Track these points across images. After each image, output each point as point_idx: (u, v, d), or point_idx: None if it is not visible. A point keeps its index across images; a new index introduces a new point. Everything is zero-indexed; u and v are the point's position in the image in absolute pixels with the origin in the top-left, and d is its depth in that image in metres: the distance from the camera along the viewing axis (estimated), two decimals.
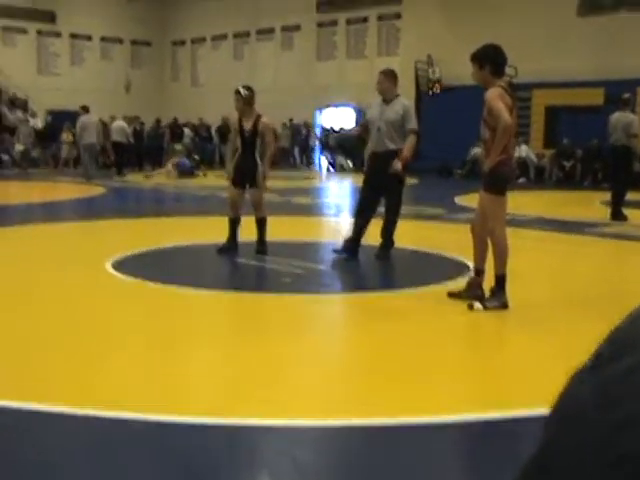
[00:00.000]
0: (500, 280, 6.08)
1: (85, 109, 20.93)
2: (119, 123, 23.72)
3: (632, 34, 22.07)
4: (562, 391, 0.37)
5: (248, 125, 8.58)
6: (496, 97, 5.91)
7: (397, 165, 8.19)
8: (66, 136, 26.66)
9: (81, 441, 3.53)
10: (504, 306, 6.02)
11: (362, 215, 8.46)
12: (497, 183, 6.04)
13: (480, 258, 6.31)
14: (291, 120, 29.83)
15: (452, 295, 6.39)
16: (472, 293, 6.24)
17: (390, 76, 8.47)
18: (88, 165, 21.00)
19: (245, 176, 8.60)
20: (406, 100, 8.69)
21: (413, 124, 8.39)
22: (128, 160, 24.41)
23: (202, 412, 3.75)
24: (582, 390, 0.36)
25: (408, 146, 8.24)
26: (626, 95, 12.92)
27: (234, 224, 8.66)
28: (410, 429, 3.65)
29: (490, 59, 6.07)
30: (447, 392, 4.17)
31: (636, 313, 0.38)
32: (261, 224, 8.66)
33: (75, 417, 3.67)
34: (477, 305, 6.02)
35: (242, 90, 8.58)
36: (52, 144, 27.11)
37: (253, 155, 8.61)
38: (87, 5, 33.28)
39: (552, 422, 0.37)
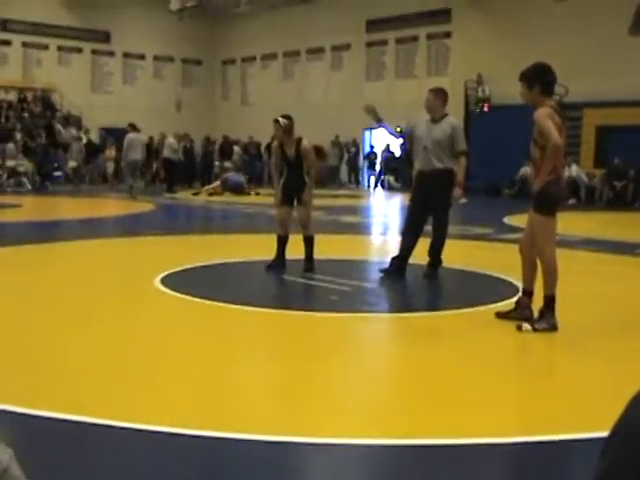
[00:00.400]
0: (549, 301, 6.02)
1: (133, 127, 21.37)
2: (169, 140, 24.09)
3: None
4: (622, 414, 0.37)
5: (290, 151, 8.68)
6: (545, 116, 5.87)
7: (458, 193, 8.20)
8: (109, 152, 27.15)
9: (132, 454, 3.57)
10: (553, 328, 5.96)
11: (410, 234, 8.45)
12: (547, 203, 5.99)
13: (529, 278, 6.26)
14: (337, 137, 30.03)
15: (500, 316, 6.34)
16: (521, 314, 6.18)
17: (439, 94, 8.44)
18: (133, 181, 21.39)
19: (292, 193, 8.67)
20: (455, 119, 8.64)
21: (463, 145, 8.35)
22: (178, 177, 24.71)
23: (248, 429, 3.76)
24: None
25: (461, 169, 8.22)
26: None
27: (282, 242, 8.71)
28: (456, 450, 3.62)
29: (539, 78, 6.03)
30: (495, 414, 4.13)
31: None
32: (308, 242, 8.69)
33: (129, 430, 3.71)
34: (526, 326, 5.96)
35: (281, 120, 8.68)
36: (96, 160, 27.62)
37: (300, 174, 8.69)
38: (140, 25, 33.86)
39: (613, 444, 0.36)
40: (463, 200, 8.44)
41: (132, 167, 21.28)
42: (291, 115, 8.84)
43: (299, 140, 8.75)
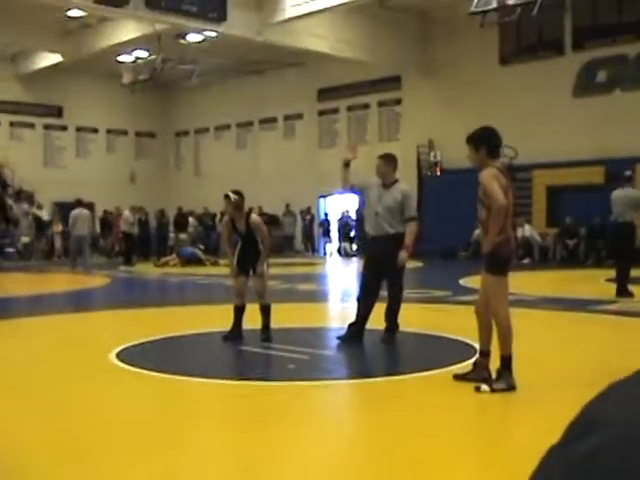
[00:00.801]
0: (506, 361, 6.03)
1: (79, 202, 21.92)
2: (125, 214, 24.13)
3: (628, 112, 22.41)
4: (538, 465, 0.38)
5: (241, 226, 8.67)
6: (491, 178, 5.97)
7: (403, 257, 8.20)
8: (56, 227, 27.02)
9: None
10: (511, 388, 5.96)
11: (365, 300, 8.45)
12: (497, 264, 6.05)
13: (485, 339, 6.28)
14: (287, 205, 30.27)
15: (458, 377, 6.33)
16: (478, 375, 6.18)
17: (389, 161, 8.54)
18: (86, 255, 21.60)
19: (248, 264, 8.66)
20: (405, 185, 8.72)
21: (412, 211, 8.42)
22: (135, 250, 24.61)
23: None
24: (553, 467, 0.37)
25: (409, 235, 8.24)
26: (628, 172, 13.06)
27: (239, 311, 8.66)
28: None
29: (485, 141, 6.15)
30: (456, 477, 4.09)
31: (606, 391, 0.39)
32: (265, 311, 8.65)
33: None
34: (484, 387, 5.96)
35: (232, 195, 8.68)
36: (44, 235, 27.47)
37: (253, 245, 8.68)
38: (93, 99, 34.00)
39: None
40: (403, 260, 8.34)
41: (78, 243, 21.42)
42: (241, 190, 8.83)
43: (248, 214, 8.75)
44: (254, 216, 8.82)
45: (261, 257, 8.64)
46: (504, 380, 5.98)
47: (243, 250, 8.70)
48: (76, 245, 21.56)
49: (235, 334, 8.59)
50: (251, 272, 8.68)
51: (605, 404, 0.37)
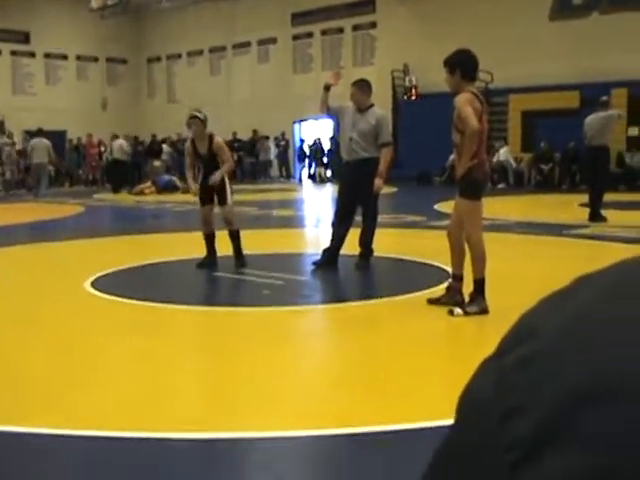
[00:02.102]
0: (479, 285, 6.08)
1: (39, 131, 23.07)
2: (120, 142, 24.24)
3: (605, 36, 22.26)
4: (470, 378, 0.39)
5: (204, 149, 8.50)
6: (465, 102, 5.92)
7: (378, 184, 8.17)
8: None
9: (63, 461, 3.49)
10: (484, 311, 6.02)
11: (340, 225, 8.45)
12: (471, 188, 6.04)
13: (458, 263, 6.31)
14: (255, 131, 29.89)
15: (432, 301, 6.38)
16: (452, 299, 6.24)
17: (362, 87, 8.45)
18: (42, 185, 22.50)
19: (212, 192, 8.53)
20: (380, 110, 8.65)
21: (387, 137, 8.38)
22: (123, 178, 24.34)
23: (184, 427, 3.71)
24: (484, 379, 0.38)
25: (384, 160, 8.21)
26: (604, 98, 12.98)
27: (209, 239, 8.63)
28: (391, 435, 3.63)
29: (461, 64, 6.08)
30: (429, 399, 4.15)
31: (539, 303, 0.39)
32: (235, 237, 8.61)
33: (59, 437, 3.63)
34: (457, 311, 6.02)
35: (199, 114, 8.51)
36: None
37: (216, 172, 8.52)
38: (61, 24, 33.16)
39: (457, 410, 0.38)
40: (379, 186, 8.33)
41: (37, 171, 22.52)
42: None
43: (211, 136, 8.57)
44: (218, 138, 8.66)
45: (226, 184, 8.50)
46: (477, 304, 6.04)
47: (206, 177, 8.55)
48: (35, 174, 22.49)
49: (209, 261, 8.58)
50: (217, 200, 8.57)
51: (537, 315, 0.38)
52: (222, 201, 8.56)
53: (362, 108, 8.33)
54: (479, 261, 6.06)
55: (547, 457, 0.32)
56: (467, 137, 5.87)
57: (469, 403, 0.37)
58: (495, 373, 0.37)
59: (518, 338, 0.38)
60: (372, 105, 8.44)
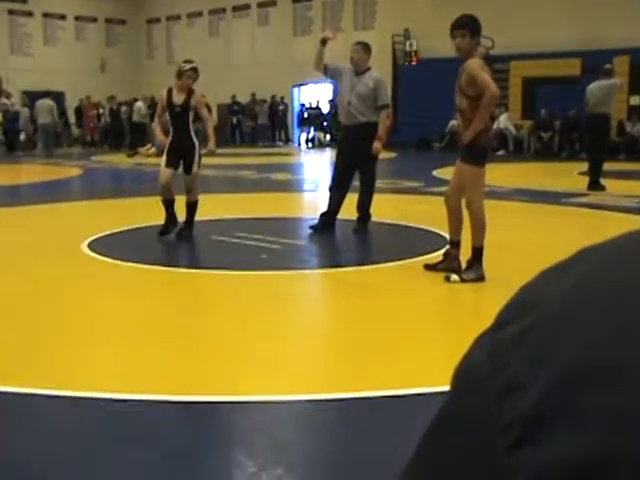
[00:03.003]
0: (477, 252, 6.07)
1: (46, 94, 23.42)
2: (138, 104, 24.32)
3: (607, 3, 22.07)
4: (466, 353, 0.38)
5: (179, 100, 7.92)
6: (479, 67, 5.86)
7: (377, 147, 8.15)
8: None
9: (57, 422, 3.50)
10: (481, 278, 6.02)
11: (337, 189, 8.43)
12: (476, 154, 6.00)
13: (455, 229, 6.29)
14: (253, 95, 29.68)
15: (429, 267, 6.38)
16: (449, 265, 6.23)
17: (366, 47, 8.42)
18: (47, 145, 23.03)
19: (179, 156, 8.04)
20: (377, 73, 8.59)
21: (385, 99, 8.35)
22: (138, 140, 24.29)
23: (178, 390, 3.73)
24: (480, 353, 0.37)
25: (382, 125, 8.19)
26: (608, 66, 12.86)
27: (170, 205, 8.16)
28: (389, 400, 3.64)
29: (473, 28, 5.98)
30: (426, 364, 4.16)
31: (538, 276, 0.38)
32: (191, 208, 8.19)
33: (53, 398, 3.64)
34: (454, 277, 6.02)
35: (192, 65, 7.96)
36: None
37: (187, 133, 8.02)
38: None
39: (451, 385, 0.38)
40: (377, 150, 8.27)
41: (42, 131, 23.07)
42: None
43: (191, 89, 7.99)
44: (198, 93, 8.13)
45: (196, 151, 8.03)
46: (474, 270, 6.04)
47: (176, 137, 8.02)
48: (41, 134, 23.06)
49: (169, 228, 8.17)
50: (182, 167, 8.10)
51: (535, 288, 0.37)
52: (188, 169, 8.07)
53: (359, 71, 8.28)
54: (479, 229, 6.04)
55: (545, 439, 0.31)
56: (485, 102, 5.79)
57: (465, 378, 0.36)
58: (492, 347, 0.36)
59: (515, 311, 0.36)
60: (369, 68, 8.39)
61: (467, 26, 5.97)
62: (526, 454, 0.31)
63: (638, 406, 0.29)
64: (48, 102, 22.92)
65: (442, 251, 6.58)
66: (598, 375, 0.30)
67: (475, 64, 5.87)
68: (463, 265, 6.15)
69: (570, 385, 0.31)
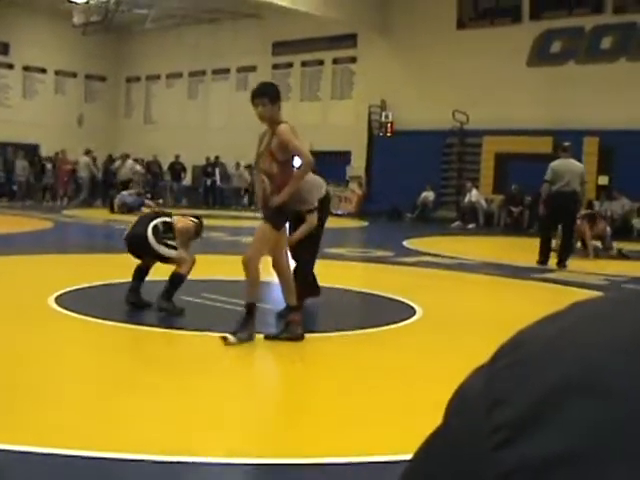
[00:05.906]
0: (249, 308, 6.13)
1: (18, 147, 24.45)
2: (130, 162, 25.02)
3: (581, 85, 22.64)
4: (462, 382, 0.43)
5: None
6: (290, 133, 5.98)
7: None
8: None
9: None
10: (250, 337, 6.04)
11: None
12: (281, 217, 6.12)
13: (287, 293, 6.39)
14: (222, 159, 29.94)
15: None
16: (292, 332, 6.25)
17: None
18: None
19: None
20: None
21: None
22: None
23: (131, 449, 3.69)
24: (476, 380, 0.41)
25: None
26: (567, 143, 13.17)
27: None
28: (349, 467, 3.62)
29: (277, 94, 6.12)
30: (379, 434, 4.15)
31: (534, 322, 0.43)
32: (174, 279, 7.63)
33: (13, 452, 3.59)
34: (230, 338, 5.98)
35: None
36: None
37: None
38: (42, 38, 33.02)
39: (446, 408, 0.42)
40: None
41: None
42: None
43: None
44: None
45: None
46: (247, 329, 6.08)
47: None
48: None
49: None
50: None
51: (528, 331, 0.42)
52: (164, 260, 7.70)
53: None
54: (253, 285, 6.10)
55: (528, 440, 0.37)
56: (301, 171, 5.96)
57: (459, 399, 0.42)
58: (486, 375, 0.41)
59: (509, 348, 0.42)
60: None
61: (266, 94, 6.11)
62: (507, 452, 0.37)
63: (597, 416, 0.36)
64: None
65: (407, 322, 6.60)
66: (570, 393, 0.37)
67: (286, 129, 5.98)
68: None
69: (554, 397, 0.37)
